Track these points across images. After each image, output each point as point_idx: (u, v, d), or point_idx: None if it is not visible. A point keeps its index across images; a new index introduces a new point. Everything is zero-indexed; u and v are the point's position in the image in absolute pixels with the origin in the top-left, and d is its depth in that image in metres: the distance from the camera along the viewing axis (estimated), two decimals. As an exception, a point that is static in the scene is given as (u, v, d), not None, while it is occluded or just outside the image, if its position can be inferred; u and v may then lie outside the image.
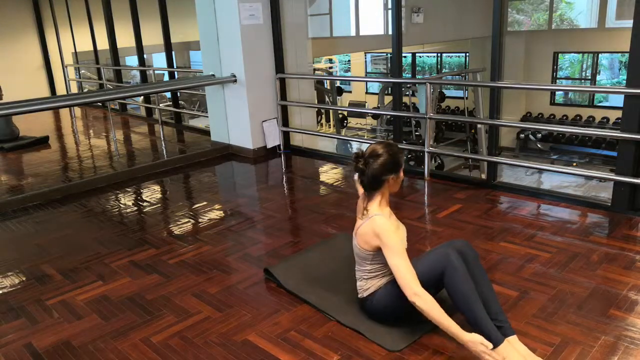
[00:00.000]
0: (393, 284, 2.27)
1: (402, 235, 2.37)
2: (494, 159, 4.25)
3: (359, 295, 2.43)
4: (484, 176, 4.46)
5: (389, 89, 13.32)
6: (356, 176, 2.48)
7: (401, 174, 2.35)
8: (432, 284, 2.18)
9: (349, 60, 19.24)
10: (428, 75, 18.07)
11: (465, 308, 2.09)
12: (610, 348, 2.15)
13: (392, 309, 2.30)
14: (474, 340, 2.01)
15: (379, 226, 2.23)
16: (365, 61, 19.09)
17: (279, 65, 5.49)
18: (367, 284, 2.37)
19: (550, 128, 13.29)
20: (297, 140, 5.80)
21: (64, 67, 10.62)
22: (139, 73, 8.56)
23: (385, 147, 2.31)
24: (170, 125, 7.91)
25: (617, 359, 2.09)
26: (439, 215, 3.67)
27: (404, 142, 6.99)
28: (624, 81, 3.47)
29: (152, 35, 8.46)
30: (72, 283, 2.95)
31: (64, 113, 9.31)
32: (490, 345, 2.00)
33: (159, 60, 11.24)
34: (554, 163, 12.44)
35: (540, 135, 13.55)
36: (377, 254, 2.28)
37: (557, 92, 14.82)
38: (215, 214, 4.00)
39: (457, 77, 16.81)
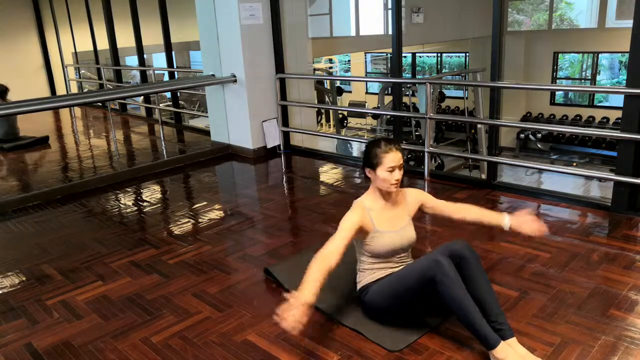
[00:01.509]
0: (382, 284, 2.32)
1: (383, 227, 2.37)
2: (494, 159, 4.25)
3: (356, 287, 2.48)
4: (484, 176, 4.46)
5: (389, 89, 13.33)
6: None
7: (379, 172, 2.33)
8: (423, 290, 2.18)
9: (349, 60, 19.24)
10: (428, 75, 18.07)
11: (459, 313, 2.08)
12: (610, 348, 2.15)
13: (380, 308, 2.34)
14: (297, 299, 2.00)
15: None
16: (365, 61, 19.08)
17: (279, 65, 5.49)
18: (360, 277, 2.45)
19: (550, 128, 13.30)
20: (297, 140, 5.80)
21: (64, 67, 10.62)
22: (139, 73, 8.56)
23: (370, 142, 2.42)
24: (170, 125, 7.91)
25: (617, 359, 2.09)
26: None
27: (404, 142, 6.99)
28: (624, 81, 3.47)
29: (152, 35, 8.47)
30: (72, 283, 2.95)
31: (64, 113, 9.31)
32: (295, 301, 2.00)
33: (159, 60, 11.25)
34: (554, 163, 12.44)
35: (540, 135, 13.56)
36: (360, 241, 2.39)
37: (557, 92, 14.82)
38: (215, 214, 4.00)
39: (457, 77, 16.81)
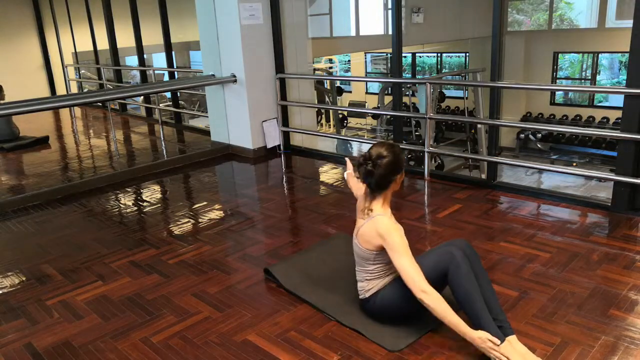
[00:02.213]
0: (396, 283, 2.28)
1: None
2: (494, 159, 4.25)
3: (360, 296, 2.43)
4: (484, 176, 4.46)
5: (389, 89, 13.33)
6: (348, 176, 2.66)
7: (403, 172, 2.39)
8: (436, 282, 2.19)
9: (349, 60, 19.24)
10: (428, 75, 18.07)
11: (468, 306, 2.10)
12: (610, 348, 2.15)
13: (397, 308, 2.31)
14: (482, 337, 2.03)
15: (383, 226, 2.25)
16: (365, 61, 19.08)
17: (279, 65, 5.49)
18: (369, 285, 2.37)
19: (550, 128, 13.29)
20: (297, 140, 5.80)
21: (64, 67, 10.62)
22: (139, 73, 8.56)
23: (389, 148, 2.32)
24: (170, 125, 7.91)
25: (617, 359, 2.09)
26: (439, 215, 3.67)
27: (404, 142, 6.99)
28: (624, 81, 3.47)
29: (152, 35, 8.46)
30: (72, 283, 2.95)
31: (64, 113, 9.31)
32: (498, 342, 2.02)
33: (159, 60, 11.25)
34: (554, 163, 12.44)
35: (540, 135, 13.55)
36: (380, 253, 2.29)
37: (557, 92, 14.82)
38: (215, 214, 4.01)
39: (457, 77, 16.81)
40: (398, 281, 2.29)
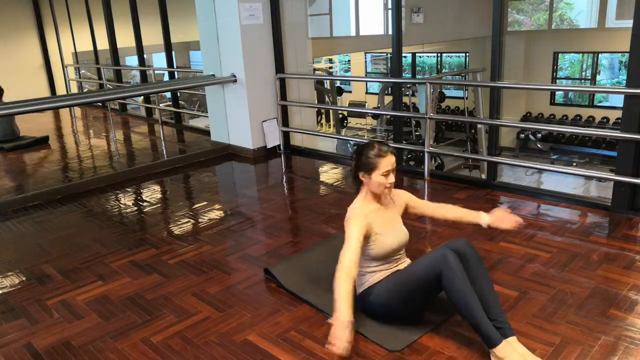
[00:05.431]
0: (386, 283, 2.31)
1: (381, 229, 2.36)
2: (494, 159, 4.25)
3: (357, 291, 2.44)
4: (484, 176, 4.45)
5: (389, 89, 13.32)
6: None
7: (374, 176, 2.32)
8: (431, 285, 2.19)
9: (349, 60, 19.23)
10: (428, 75, 18.07)
11: (463, 309, 2.09)
12: (610, 348, 2.15)
13: (386, 307, 2.32)
14: (339, 320, 2.00)
15: (348, 215, 2.36)
16: (365, 61, 19.08)
17: (279, 65, 5.49)
18: (361, 280, 2.40)
19: (550, 128, 13.28)
20: (297, 140, 5.80)
21: (64, 67, 10.62)
22: (139, 73, 8.56)
23: (363, 146, 2.39)
24: (170, 125, 7.91)
25: (617, 359, 2.09)
26: (439, 215, 3.67)
27: (404, 142, 6.99)
28: (624, 81, 3.47)
29: (152, 35, 8.47)
30: (72, 283, 2.95)
31: (64, 113, 9.32)
32: (344, 341, 1.96)
33: (159, 60, 11.24)
34: (554, 163, 12.43)
35: (540, 135, 13.55)
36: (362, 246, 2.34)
37: (557, 92, 14.82)
38: (215, 214, 4.01)
39: (457, 77, 16.80)
40: (388, 281, 2.31)
